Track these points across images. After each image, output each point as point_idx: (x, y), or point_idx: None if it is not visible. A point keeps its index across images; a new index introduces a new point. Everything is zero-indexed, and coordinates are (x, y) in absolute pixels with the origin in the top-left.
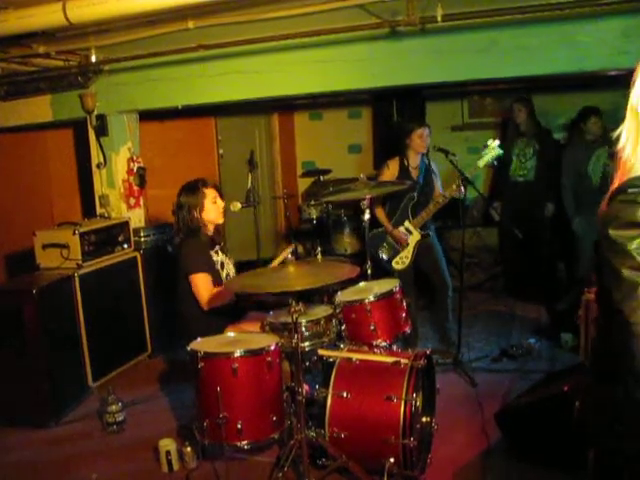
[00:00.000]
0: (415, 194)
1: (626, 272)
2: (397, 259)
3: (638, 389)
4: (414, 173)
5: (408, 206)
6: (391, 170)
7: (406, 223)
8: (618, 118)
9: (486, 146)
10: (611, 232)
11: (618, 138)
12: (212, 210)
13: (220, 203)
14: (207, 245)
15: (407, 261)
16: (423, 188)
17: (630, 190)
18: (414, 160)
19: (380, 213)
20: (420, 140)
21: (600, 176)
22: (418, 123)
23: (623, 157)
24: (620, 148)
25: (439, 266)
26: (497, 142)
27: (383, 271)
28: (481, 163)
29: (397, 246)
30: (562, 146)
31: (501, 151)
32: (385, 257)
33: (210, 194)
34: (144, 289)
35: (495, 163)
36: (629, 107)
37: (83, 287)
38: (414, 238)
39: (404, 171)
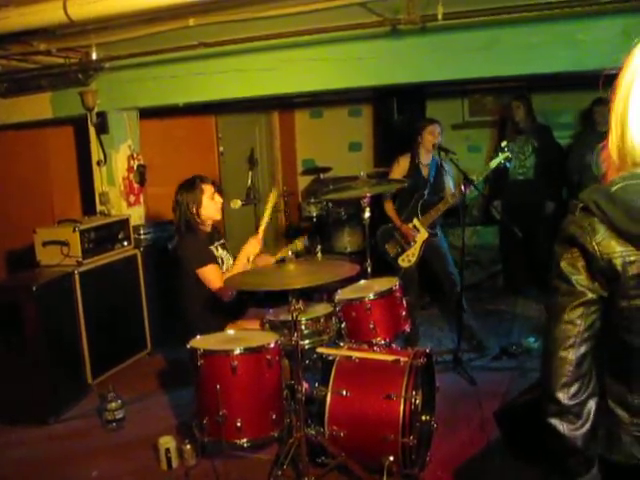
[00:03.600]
0: (425, 192)
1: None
2: (403, 256)
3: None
4: (425, 171)
5: (417, 204)
6: (401, 166)
7: (414, 221)
8: None
9: (502, 148)
10: (555, 245)
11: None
12: (210, 206)
13: (218, 199)
14: (206, 241)
15: (413, 259)
16: (433, 187)
17: (574, 201)
18: (425, 158)
19: (389, 208)
20: (431, 137)
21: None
22: (430, 120)
23: (612, 166)
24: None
25: (446, 266)
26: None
27: (388, 267)
28: (493, 163)
29: (404, 244)
30: (561, 146)
31: (509, 154)
32: (392, 254)
33: (208, 190)
34: (144, 286)
35: (507, 165)
36: (613, 116)
37: (83, 284)
38: (421, 236)
39: (415, 168)
